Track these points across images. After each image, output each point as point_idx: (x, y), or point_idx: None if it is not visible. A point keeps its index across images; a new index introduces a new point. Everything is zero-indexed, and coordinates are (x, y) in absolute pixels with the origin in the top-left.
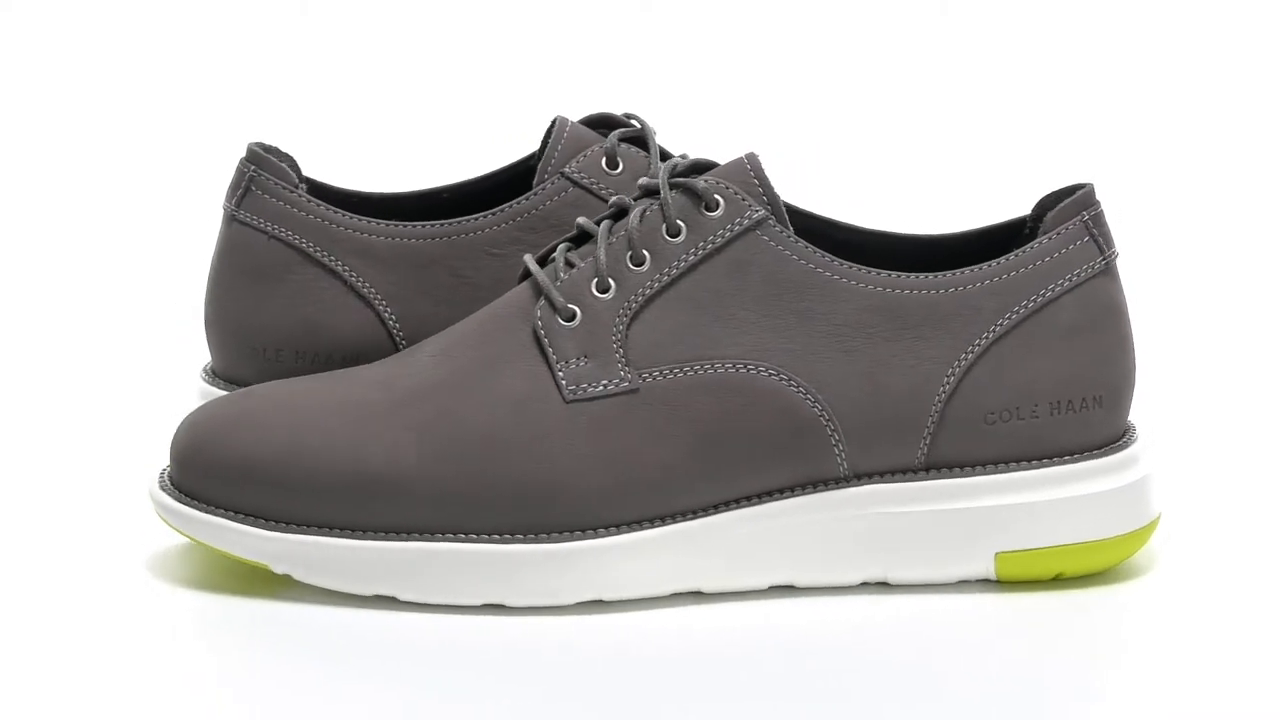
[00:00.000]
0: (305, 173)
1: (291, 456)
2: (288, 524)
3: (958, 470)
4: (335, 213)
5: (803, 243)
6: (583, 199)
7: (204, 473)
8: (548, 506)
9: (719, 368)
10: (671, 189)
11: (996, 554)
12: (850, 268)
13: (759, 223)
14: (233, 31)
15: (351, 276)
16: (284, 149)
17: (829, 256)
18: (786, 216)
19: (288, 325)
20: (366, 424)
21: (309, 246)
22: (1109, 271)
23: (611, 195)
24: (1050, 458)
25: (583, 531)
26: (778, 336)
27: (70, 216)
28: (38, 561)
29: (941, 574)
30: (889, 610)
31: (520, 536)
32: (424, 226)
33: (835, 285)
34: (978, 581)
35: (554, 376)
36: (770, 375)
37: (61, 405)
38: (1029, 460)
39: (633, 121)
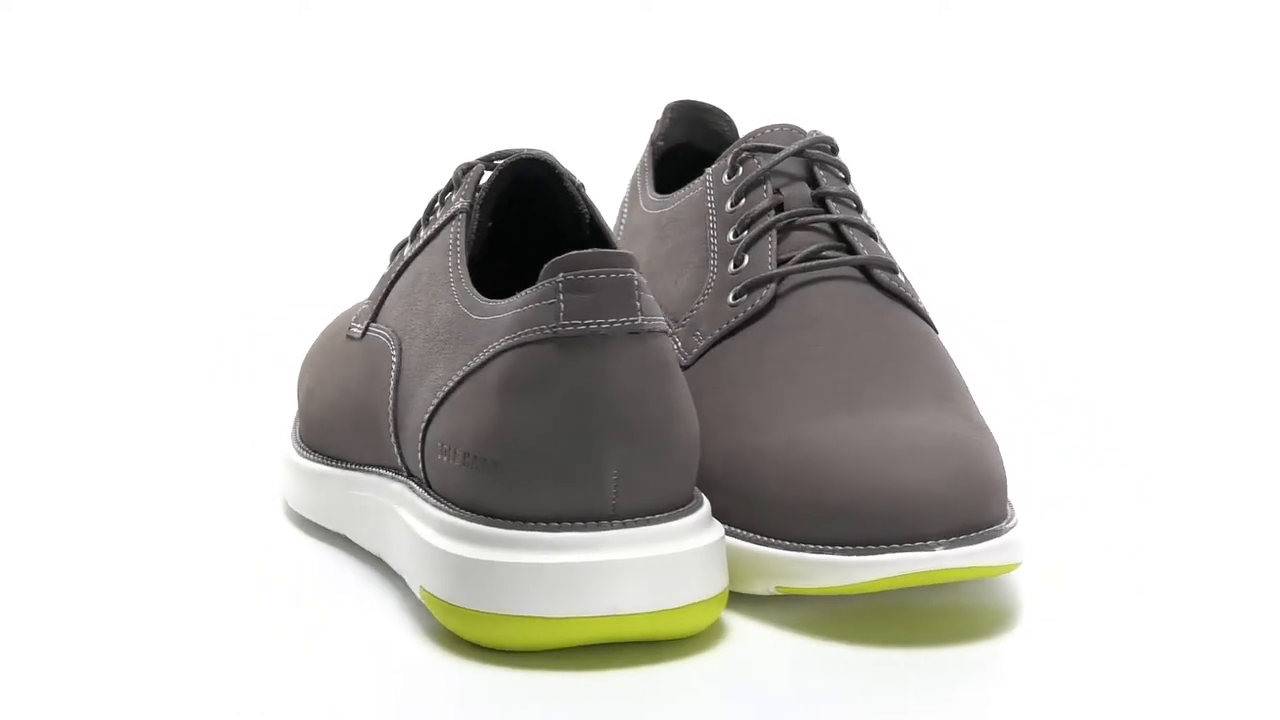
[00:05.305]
0: None
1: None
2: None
3: (431, 493)
4: None
5: (461, 244)
6: (699, 199)
7: None
8: (311, 425)
9: (381, 333)
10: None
11: (420, 586)
12: (463, 275)
13: (455, 214)
14: None
15: None
16: None
17: (462, 261)
18: (475, 217)
19: None
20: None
21: None
22: (557, 341)
23: (710, 201)
24: (463, 507)
25: (308, 451)
26: (416, 319)
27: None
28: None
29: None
30: None
31: (301, 447)
32: None
33: (448, 287)
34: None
35: None
36: (393, 352)
37: None
38: (454, 503)
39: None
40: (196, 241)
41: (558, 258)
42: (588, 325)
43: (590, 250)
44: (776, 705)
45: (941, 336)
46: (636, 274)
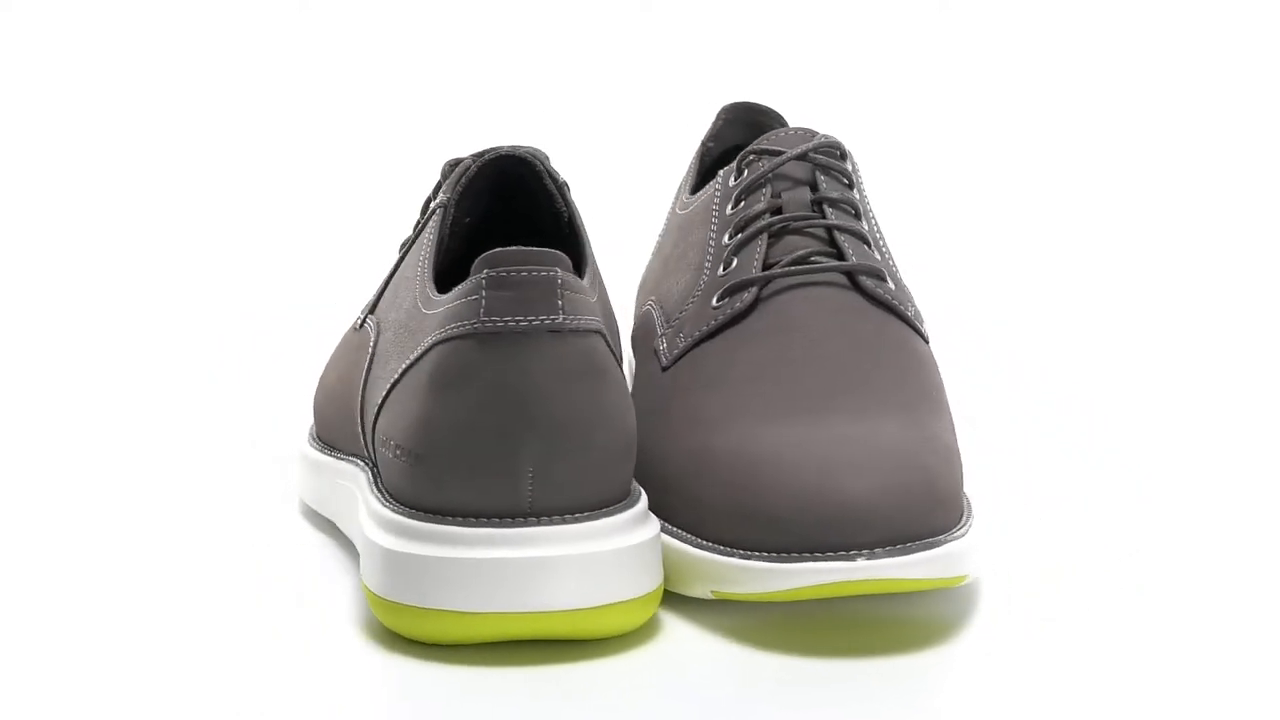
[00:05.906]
0: None
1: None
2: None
3: (379, 484)
4: None
5: (432, 239)
6: (709, 201)
7: None
8: (316, 414)
9: (371, 324)
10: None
11: (361, 578)
12: (428, 270)
13: (438, 208)
14: None
15: None
16: None
17: (429, 256)
18: (452, 213)
19: None
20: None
21: None
22: (477, 337)
23: (715, 204)
24: (397, 500)
25: (315, 440)
26: (392, 311)
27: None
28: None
29: None
30: None
31: (311, 437)
32: None
33: (414, 281)
34: None
35: None
36: (371, 343)
37: None
38: (391, 496)
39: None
40: (198, 242)
41: (485, 254)
42: (506, 322)
43: (516, 248)
44: (701, 708)
45: (944, 337)
46: (562, 272)
